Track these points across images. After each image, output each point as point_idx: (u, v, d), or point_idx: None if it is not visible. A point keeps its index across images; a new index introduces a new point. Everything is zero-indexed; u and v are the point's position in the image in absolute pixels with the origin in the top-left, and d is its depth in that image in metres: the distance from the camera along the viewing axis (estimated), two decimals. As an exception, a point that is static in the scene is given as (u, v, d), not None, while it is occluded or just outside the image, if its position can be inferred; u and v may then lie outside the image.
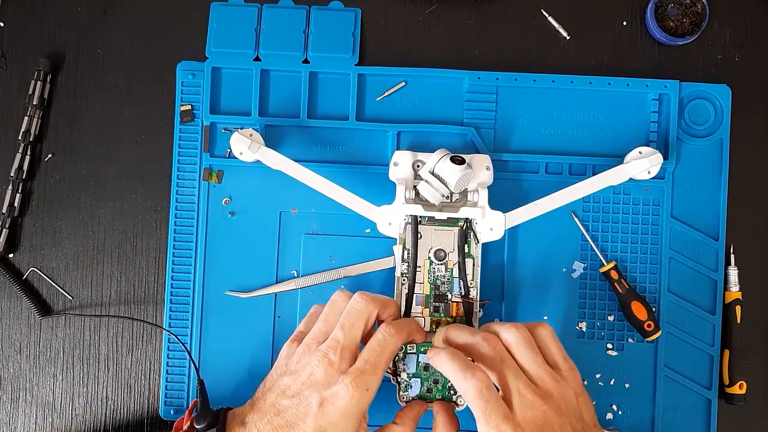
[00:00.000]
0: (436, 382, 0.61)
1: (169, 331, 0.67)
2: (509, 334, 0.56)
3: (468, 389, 0.53)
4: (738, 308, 0.67)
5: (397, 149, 0.67)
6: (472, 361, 0.56)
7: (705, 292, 0.68)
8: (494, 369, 0.54)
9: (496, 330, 0.57)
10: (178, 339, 0.65)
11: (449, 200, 0.65)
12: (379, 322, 0.59)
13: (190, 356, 0.64)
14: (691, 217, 0.68)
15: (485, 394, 0.52)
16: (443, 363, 0.55)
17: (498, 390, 0.54)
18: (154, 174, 0.70)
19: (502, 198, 0.65)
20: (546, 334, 0.57)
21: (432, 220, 0.63)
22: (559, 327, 0.67)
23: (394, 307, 0.59)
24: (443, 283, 0.63)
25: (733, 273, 0.68)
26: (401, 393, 0.61)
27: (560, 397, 0.54)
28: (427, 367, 0.61)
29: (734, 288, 0.67)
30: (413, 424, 0.58)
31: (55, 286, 0.70)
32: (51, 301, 0.70)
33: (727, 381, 0.67)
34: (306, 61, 0.69)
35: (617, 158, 0.67)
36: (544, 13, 0.70)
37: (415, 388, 0.61)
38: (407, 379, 0.61)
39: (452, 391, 0.61)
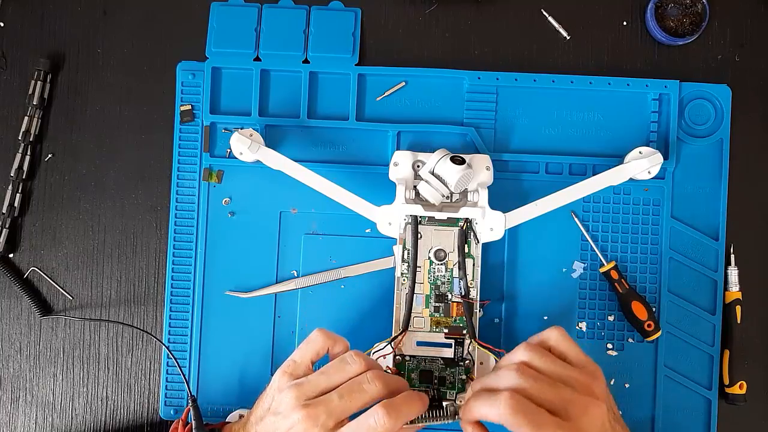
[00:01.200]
0: None
1: (164, 345, 0.68)
2: (519, 353, 0.53)
3: (502, 410, 0.49)
4: (738, 308, 0.67)
5: (397, 149, 0.67)
6: None
7: (705, 292, 0.68)
8: (529, 395, 0.50)
9: (505, 360, 0.54)
10: (171, 354, 0.65)
11: (449, 200, 0.65)
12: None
13: (182, 372, 0.64)
14: (691, 217, 0.68)
15: (521, 406, 0.49)
16: (471, 412, 0.52)
17: None
18: (154, 174, 0.70)
19: (502, 198, 0.64)
20: (559, 338, 0.54)
21: (432, 220, 0.63)
22: (559, 327, 0.67)
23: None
24: (443, 283, 0.63)
25: (733, 273, 0.68)
26: None
27: (600, 392, 0.52)
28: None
29: (734, 288, 0.67)
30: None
31: (56, 285, 0.70)
32: (51, 301, 0.70)
33: (727, 381, 0.67)
34: (306, 61, 0.69)
35: (617, 158, 0.67)
36: (544, 13, 0.70)
37: None
38: None
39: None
